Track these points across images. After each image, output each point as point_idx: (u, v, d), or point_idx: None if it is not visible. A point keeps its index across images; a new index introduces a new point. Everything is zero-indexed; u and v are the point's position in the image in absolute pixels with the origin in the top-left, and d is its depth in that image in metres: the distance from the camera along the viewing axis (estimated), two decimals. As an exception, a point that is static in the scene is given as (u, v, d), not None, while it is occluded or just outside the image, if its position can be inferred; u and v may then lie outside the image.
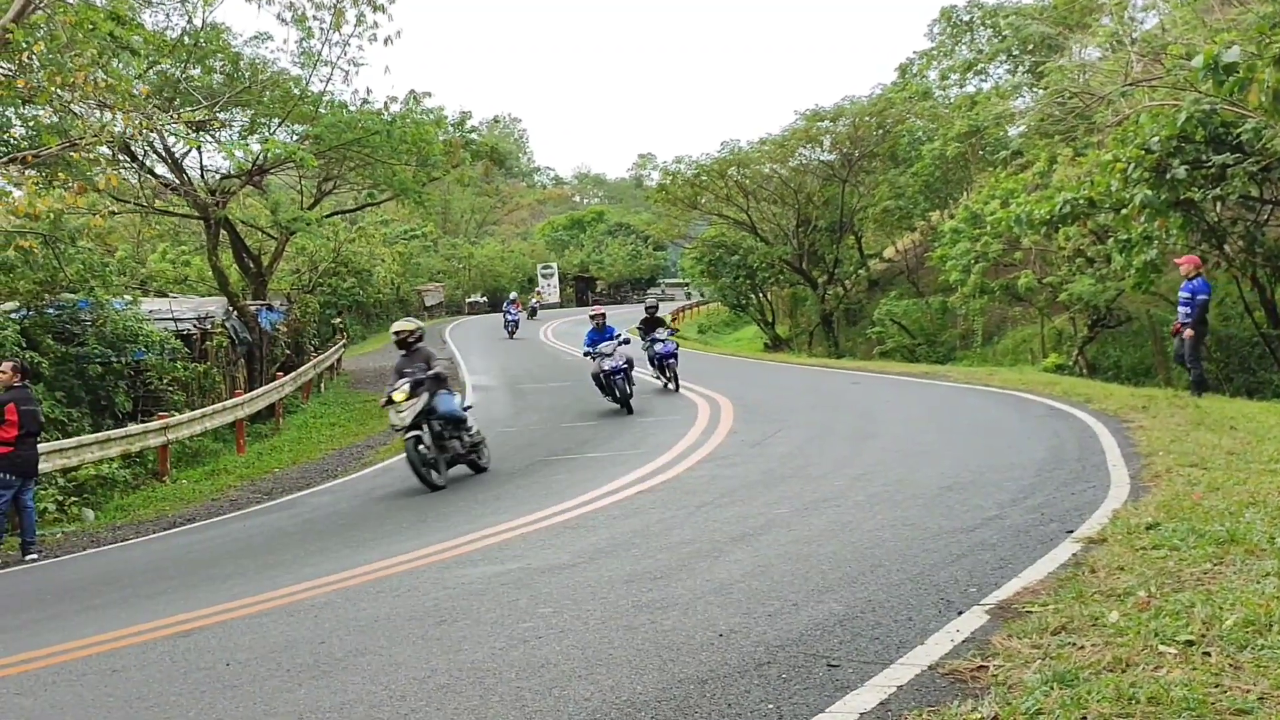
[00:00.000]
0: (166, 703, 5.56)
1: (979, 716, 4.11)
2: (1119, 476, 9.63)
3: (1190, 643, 4.64)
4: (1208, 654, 4.50)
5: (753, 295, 49.88)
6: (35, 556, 12.63)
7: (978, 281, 30.87)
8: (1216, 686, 4.13)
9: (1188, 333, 16.32)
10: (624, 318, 32.40)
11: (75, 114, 16.41)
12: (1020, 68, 45.22)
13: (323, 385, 31.31)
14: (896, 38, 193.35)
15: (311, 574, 8.89)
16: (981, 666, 4.76)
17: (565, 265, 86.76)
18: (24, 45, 13.78)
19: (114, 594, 9.50)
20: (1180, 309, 16.64)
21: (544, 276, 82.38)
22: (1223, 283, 25.91)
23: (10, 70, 14.62)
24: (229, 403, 21.24)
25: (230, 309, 26.96)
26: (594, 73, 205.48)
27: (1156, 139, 18.77)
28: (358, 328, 45.94)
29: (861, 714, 4.39)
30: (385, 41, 25.29)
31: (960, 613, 5.73)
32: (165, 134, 23.37)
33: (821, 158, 47.49)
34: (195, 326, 24.95)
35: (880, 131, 45.30)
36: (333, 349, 35.48)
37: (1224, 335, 25.77)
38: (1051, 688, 4.26)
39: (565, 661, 5.54)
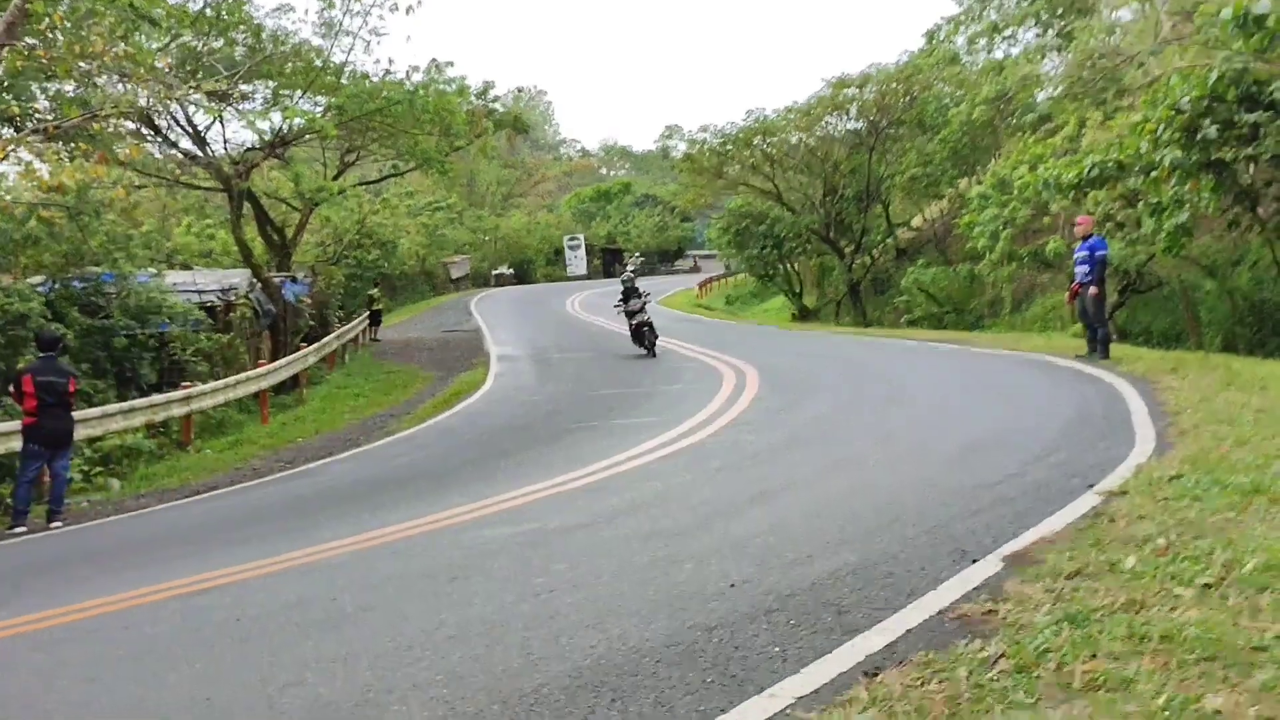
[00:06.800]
0: (174, 655, 5.56)
1: (986, 655, 4.02)
2: (1145, 434, 9.47)
3: (1208, 585, 4.54)
4: (1225, 596, 4.40)
5: (780, 265, 49.48)
6: (59, 524, 12.68)
7: (1006, 248, 30.43)
8: (1233, 626, 4.02)
9: (1092, 290, 16.35)
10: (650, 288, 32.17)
11: (96, 84, 16.43)
12: (1049, 31, 44.58)
13: (347, 356, 31.37)
14: (924, 3, 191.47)
15: (329, 536, 8.88)
16: (992, 610, 4.67)
17: (592, 237, 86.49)
18: (44, 16, 13.80)
19: (132, 557, 9.53)
20: (1078, 268, 16.71)
21: (571, 249, 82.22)
22: (1256, 246, 25.52)
23: (33, 43, 14.63)
24: (252, 373, 21.30)
25: (254, 281, 26.98)
26: (619, 44, 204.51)
27: (1187, 99, 18.39)
28: (385, 300, 45.97)
29: (868, 655, 4.32)
30: (406, 11, 25.46)
31: (975, 561, 5.64)
32: (187, 105, 23.40)
33: (848, 126, 46.99)
34: (219, 298, 25.01)
35: (907, 98, 44.76)
36: (356, 321, 35.53)
37: (1258, 300, 25.39)
38: (1062, 627, 4.17)
39: (575, 613, 5.50)
